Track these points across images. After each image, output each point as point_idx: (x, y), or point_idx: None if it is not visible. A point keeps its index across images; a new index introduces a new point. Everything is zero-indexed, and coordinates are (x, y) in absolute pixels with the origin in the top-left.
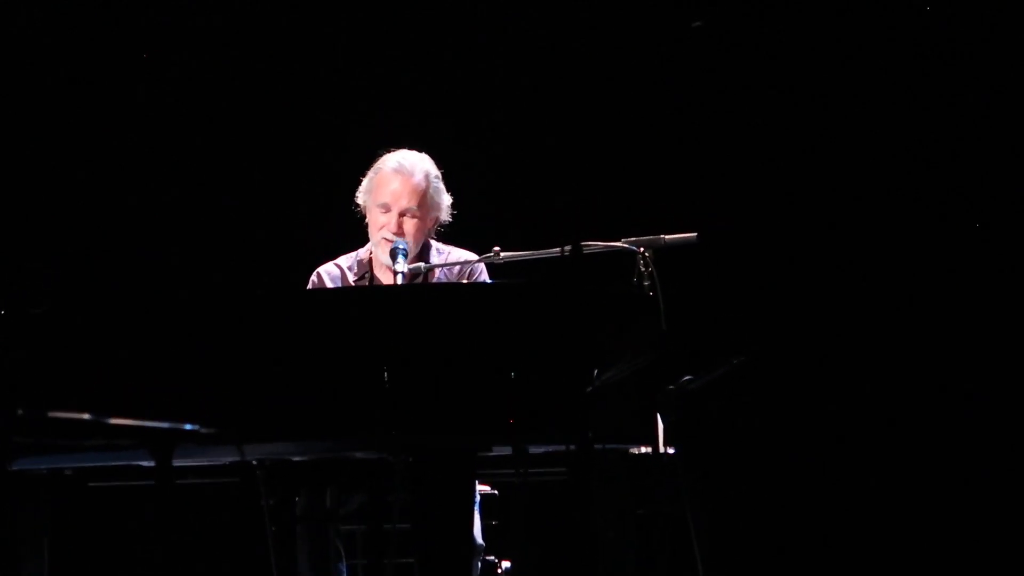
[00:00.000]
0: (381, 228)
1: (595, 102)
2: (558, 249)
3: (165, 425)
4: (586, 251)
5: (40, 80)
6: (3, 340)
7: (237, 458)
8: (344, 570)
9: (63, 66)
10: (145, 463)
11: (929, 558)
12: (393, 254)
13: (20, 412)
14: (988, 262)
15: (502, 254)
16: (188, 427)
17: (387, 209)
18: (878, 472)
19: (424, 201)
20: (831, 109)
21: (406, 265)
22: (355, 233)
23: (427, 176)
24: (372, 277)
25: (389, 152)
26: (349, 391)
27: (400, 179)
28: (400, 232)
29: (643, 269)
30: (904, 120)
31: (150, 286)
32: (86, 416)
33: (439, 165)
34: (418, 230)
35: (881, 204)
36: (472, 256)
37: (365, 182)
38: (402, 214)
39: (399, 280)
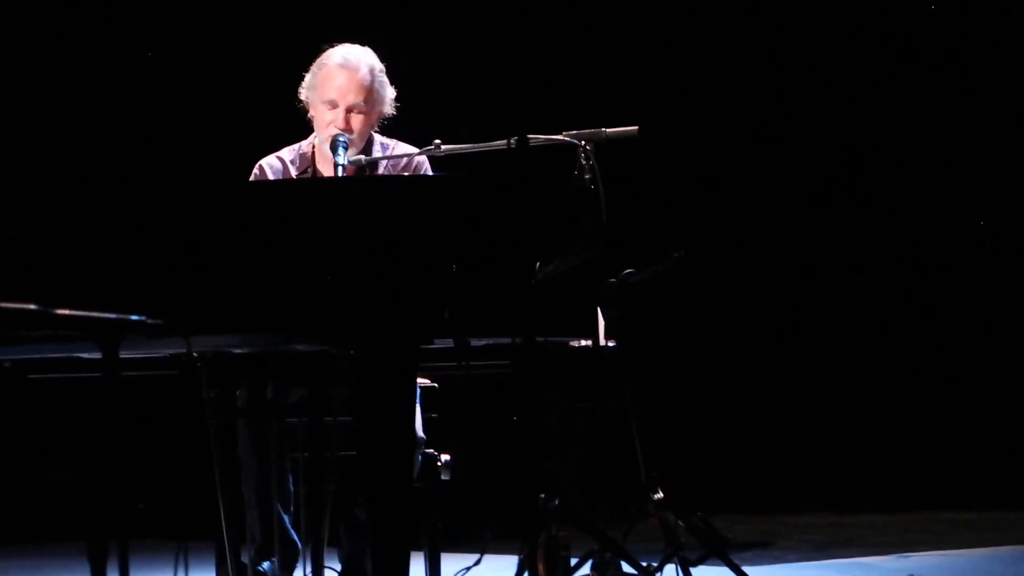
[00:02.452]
0: (328, 124)
1: None
2: (501, 142)
3: (113, 316)
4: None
5: None
6: None
7: (181, 350)
8: (286, 463)
9: None
10: (86, 355)
11: (854, 447)
12: (334, 146)
13: None
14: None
15: (443, 147)
16: (135, 318)
17: (334, 105)
18: (815, 364)
19: (371, 96)
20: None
21: (347, 157)
22: (298, 126)
23: (372, 71)
24: (314, 171)
25: (332, 47)
26: (292, 284)
27: (346, 74)
28: (348, 128)
29: (584, 163)
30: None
31: (97, 178)
32: (32, 307)
33: (382, 59)
34: (365, 125)
35: (820, 95)
36: (415, 150)
37: (309, 77)
38: (349, 110)
39: (340, 173)
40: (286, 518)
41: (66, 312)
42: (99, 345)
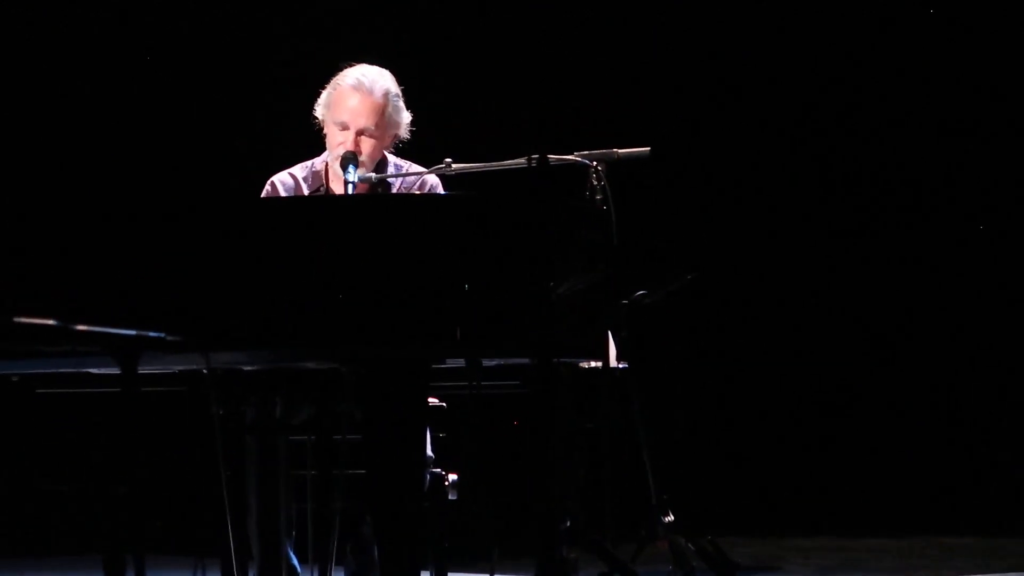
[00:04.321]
0: (338, 145)
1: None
2: (514, 161)
3: (132, 332)
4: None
5: None
6: None
7: (193, 366)
8: (291, 485)
9: None
10: (96, 370)
11: (876, 477)
12: (344, 163)
13: None
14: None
15: (454, 166)
16: (154, 335)
17: (345, 127)
18: (829, 388)
19: (382, 120)
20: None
21: (357, 175)
22: (312, 143)
23: (386, 95)
24: (327, 189)
25: (350, 66)
26: (305, 301)
27: (359, 97)
28: (358, 151)
29: (596, 183)
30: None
31: (112, 192)
32: (52, 322)
33: (400, 81)
34: (375, 149)
35: (836, 119)
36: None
37: (324, 95)
38: (359, 133)
39: (351, 190)
40: (287, 542)
41: (85, 328)
42: (118, 361)
